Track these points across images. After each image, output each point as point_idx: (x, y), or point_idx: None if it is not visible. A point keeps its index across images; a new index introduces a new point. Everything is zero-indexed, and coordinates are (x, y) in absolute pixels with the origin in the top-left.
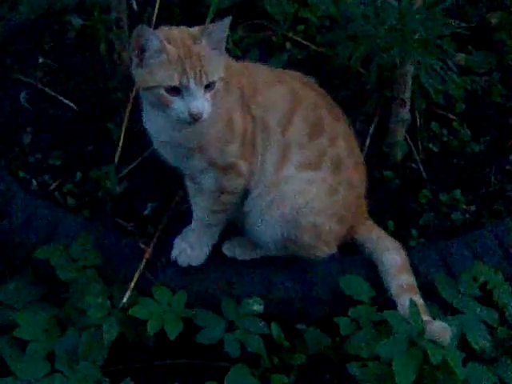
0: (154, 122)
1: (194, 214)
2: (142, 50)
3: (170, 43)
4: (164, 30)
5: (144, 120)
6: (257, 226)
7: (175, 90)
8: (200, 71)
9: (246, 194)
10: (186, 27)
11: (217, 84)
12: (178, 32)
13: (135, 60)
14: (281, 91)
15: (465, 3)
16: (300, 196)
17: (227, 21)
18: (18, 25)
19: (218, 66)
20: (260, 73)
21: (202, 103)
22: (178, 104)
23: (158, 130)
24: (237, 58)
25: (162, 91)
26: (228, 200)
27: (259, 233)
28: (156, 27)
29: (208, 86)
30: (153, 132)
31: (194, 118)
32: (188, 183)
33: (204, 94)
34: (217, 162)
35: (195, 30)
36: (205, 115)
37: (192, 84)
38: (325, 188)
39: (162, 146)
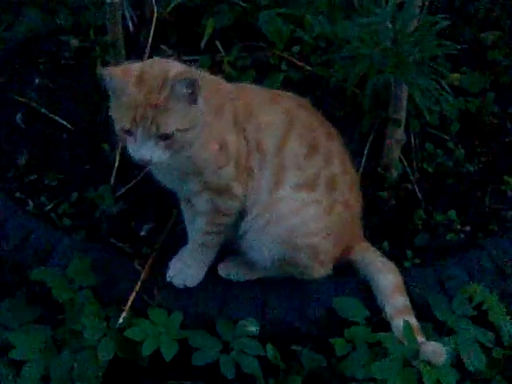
0: None
1: (190, 236)
2: (107, 88)
3: (139, 83)
4: (146, 65)
5: None
6: (253, 246)
7: (128, 132)
8: (152, 122)
9: (241, 215)
10: (175, 63)
11: (177, 135)
12: (150, 73)
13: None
14: (275, 113)
15: (459, 23)
16: (296, 216)
17: (195, 78)
18: (14, 45)
19: (180, 118)
20: (254, 94)
21: (148, 152)
22: (129, 145)
23: None
24: (232, 78)
25: (119, 129)
26: (223, 221)
27: (255, 253)
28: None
29: (162, 136)
30: None
31: (142, 164)
32: (183, 205)
33: (156, 142)
34: (211, 184)
35: (171, 74)
36: (154, 161)
37: (139, 133)
38: (320, 208)
39: (157, 169)
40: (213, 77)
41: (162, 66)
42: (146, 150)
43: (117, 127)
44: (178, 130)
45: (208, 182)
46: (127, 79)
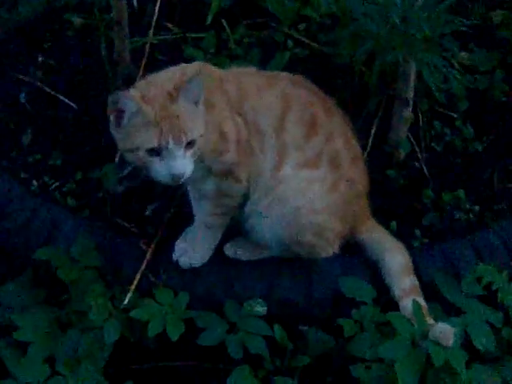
0: None
1: (196, 216)
2: (119, 114)
3: (146, 103)
4: (141, 88)
5: None
6: (258, 227)
7: (155, 152)
8: (179, 131)
9: (246, 196)
10: (166, 77)
11: (197, 142)
12: (154, 90)
13: (113, 122)
14: (271, 95)
15: (467, 1)
16: (299, 196)
17: (200, 78)
18: (18, 24)
19: (198, 123)
20: (249, 79)
21: (182, 164)
22: (158, 166)
23: None
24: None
25: (142, 153)
26: (228, 203)
27: (260, 234)
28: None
29: (188, 144)
30: None
31: (176, 179)
32: (189, 187)
33: (185, 153)
34: (215, 170)
35: (171, 86)
36: (187, 174)
37: (171, 145)
38: (324, 186)
39: None
40: (200, 64)
41: (155, 84)
42: (179, 162)
43: (140, 153)
44: (200, 135)
45: (211, 168)
46: (140, 98)
